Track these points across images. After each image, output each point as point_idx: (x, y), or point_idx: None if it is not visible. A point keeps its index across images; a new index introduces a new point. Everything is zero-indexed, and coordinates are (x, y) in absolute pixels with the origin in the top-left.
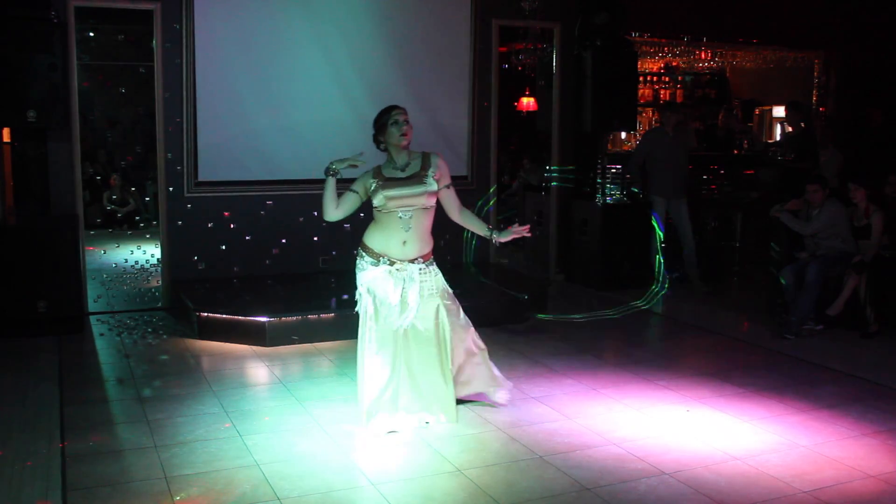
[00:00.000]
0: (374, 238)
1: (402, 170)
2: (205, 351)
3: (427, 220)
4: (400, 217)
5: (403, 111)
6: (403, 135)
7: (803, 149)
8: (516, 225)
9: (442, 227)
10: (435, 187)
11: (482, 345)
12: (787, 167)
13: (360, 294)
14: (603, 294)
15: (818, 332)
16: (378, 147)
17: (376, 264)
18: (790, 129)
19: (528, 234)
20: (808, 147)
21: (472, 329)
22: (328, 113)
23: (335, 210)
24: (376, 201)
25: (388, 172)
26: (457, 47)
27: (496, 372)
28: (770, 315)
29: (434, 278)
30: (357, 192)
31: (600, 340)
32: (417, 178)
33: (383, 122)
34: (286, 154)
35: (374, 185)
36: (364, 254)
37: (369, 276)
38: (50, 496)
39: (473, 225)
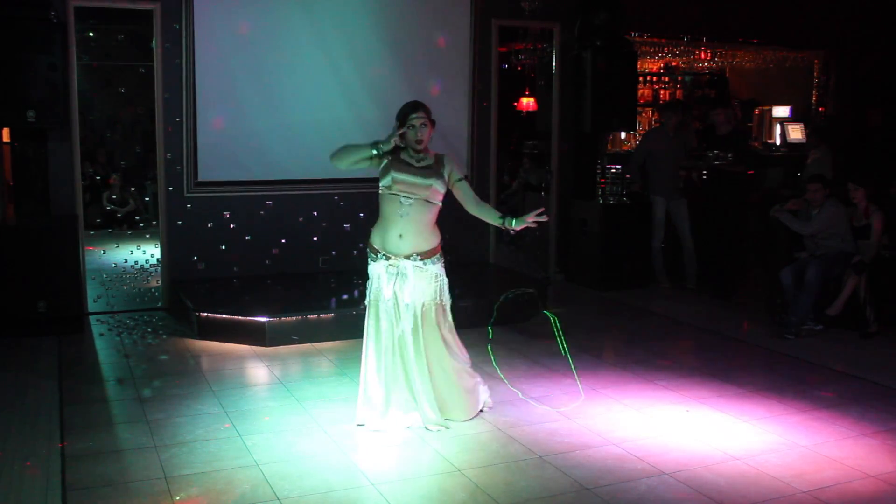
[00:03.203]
0: (376, 234)
1: (417, 161)
2: (205, 351)
3: (428, 215)
4: (401, 202)
5: (423, 114)
6: (419, 140)
7: (737, 149)
8: (536, 211)
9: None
10: (443, 187)
11: (469, 382)
12: (721, 170)
13: (369, 288)
14: (603, 294)
15: (818, 332)
16: (399, 142)
17: (375, 260)
18: (720, 130)
19: (546, 219)
20: (741, 147)
21: (462, 356)
22: (328, 113)
23: (347, 167)
24: (384, 180)
25: (404, 156)
26: (457, 47)
27: (480, 390)
28: (770, 315)
29: (429, 280)
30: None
31: (600, 340)
32: (430, 171)
33: (400, 122)
34: (286, 154)
35: (386, 161)
36: (368, 250)
37: (372, 272)
38: (50, 496)
39: (488, 215)
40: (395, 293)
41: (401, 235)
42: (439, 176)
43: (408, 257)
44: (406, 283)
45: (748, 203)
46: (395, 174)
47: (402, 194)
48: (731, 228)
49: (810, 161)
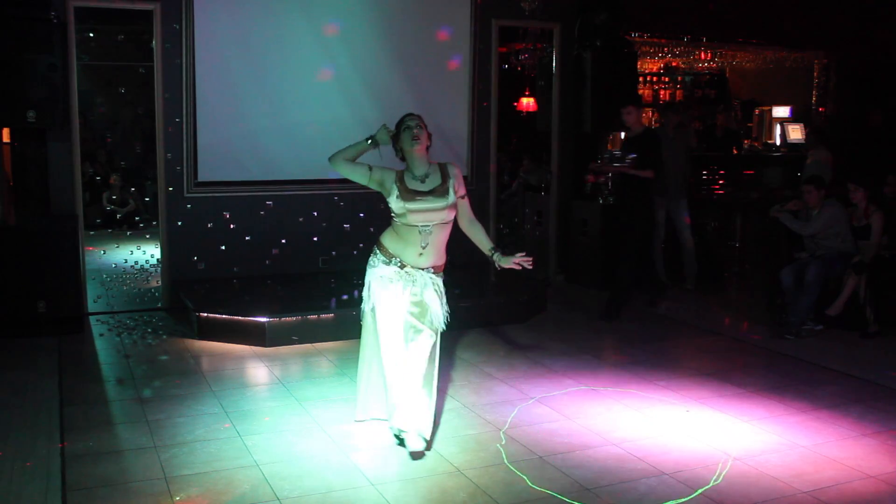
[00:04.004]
0: (390, 241)
1: (422, 181)
2: (205, 351)
3: (445, 234)
4: (420, 232)
5: (418, 118)
6: (414, 138)
7: (646, 150)
8: (522, 254)
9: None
10: (454, 200)
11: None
12: (626, 174)
13: (367, 290)
14: (603, 294)
15: (818, 332)
16: (397, 155)
17: (388, 263)
18: (631, 128)
19: (531, 267)
20: (650, 149)
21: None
22: (328, 113)
23: (344, 165)
24: (396, 208)
25: (409, 183)
26: (457, 47)
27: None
28: (770, 315)
29: (437, 291)
30: (371, 174)
31: (600, 340)
32: (440, 191)
33: (397, 128)
34: (286, 154)
35: (395, 190)
36: (378, 251)
37: (378, 274)
38: (50, 496)
39: (479, 239)
40: (414, 299)
41: (420, 254)
42: (449, 193)
43: (423, 269)
44: (428, 291)
45: (653, 208)
46: (407, 205)
47: (419, 224)
48: (637, 235)
49: (809, 161)
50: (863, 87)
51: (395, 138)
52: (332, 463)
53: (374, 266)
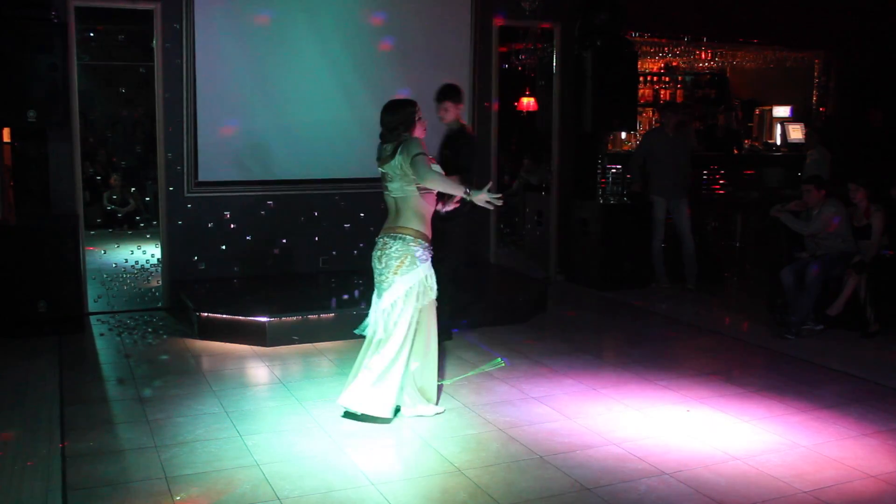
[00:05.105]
0: (423, 224)
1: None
2: (205, 351)
3: None
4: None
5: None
6: (424, 129)
7: (456, 152)
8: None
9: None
10: None
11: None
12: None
13: (416, 284)
14: (603, 294)
15: (818, 332)
16: (392, 140)
17: (429, 249)
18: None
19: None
20: (460, 151)
21: None
22: (328, 113)
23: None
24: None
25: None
26: (457, 47)
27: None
28: (770, 315)
29: None
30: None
31: (600, 340)
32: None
33: (410, 116)
34: (286, 154)
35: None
36: (416, 238)
37: (426, 270)
38: (50, 496)
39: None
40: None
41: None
42: None
43: None
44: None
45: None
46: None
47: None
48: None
49: (808, 161)
50: (863, 87)
51: (409, 126)
52: (332, 463)
53: (426, 260)
